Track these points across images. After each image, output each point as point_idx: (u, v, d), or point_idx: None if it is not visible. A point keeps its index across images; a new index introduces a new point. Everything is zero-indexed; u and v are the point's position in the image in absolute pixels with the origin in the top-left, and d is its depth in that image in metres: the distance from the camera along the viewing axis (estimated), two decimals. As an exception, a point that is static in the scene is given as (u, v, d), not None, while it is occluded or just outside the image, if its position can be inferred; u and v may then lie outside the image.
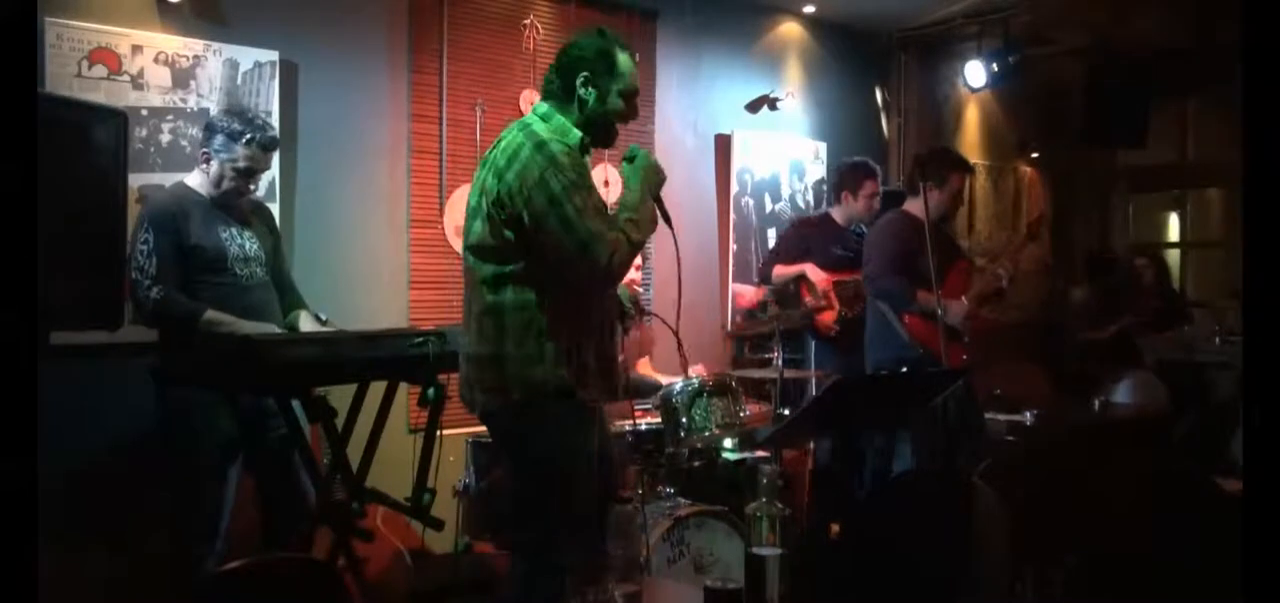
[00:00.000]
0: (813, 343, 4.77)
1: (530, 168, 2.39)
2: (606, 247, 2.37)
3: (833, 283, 4.62)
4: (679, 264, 2.66)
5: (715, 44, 5.51)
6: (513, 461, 2.68)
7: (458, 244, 4.49)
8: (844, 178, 4.82)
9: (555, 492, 2.53)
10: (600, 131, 2.59)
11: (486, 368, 2.51)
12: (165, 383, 3.04)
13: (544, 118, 2.54)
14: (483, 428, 4.02)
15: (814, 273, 4.65)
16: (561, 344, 2.47)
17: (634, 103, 2.60)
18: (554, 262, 2.42)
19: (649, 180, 2.57)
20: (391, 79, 4.37)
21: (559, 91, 2.56)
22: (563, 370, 2.47)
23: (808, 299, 4.62)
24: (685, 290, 2.90)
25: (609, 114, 2.55)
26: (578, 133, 2.53)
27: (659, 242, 4.48)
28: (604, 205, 2.49)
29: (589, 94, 2.52)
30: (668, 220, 2.64)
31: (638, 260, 3.74)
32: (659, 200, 2.61)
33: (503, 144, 2.50)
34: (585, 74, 2.52)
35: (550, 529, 2.53)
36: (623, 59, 2.55)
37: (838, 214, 4.83)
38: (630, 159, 2.60)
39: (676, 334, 2.91)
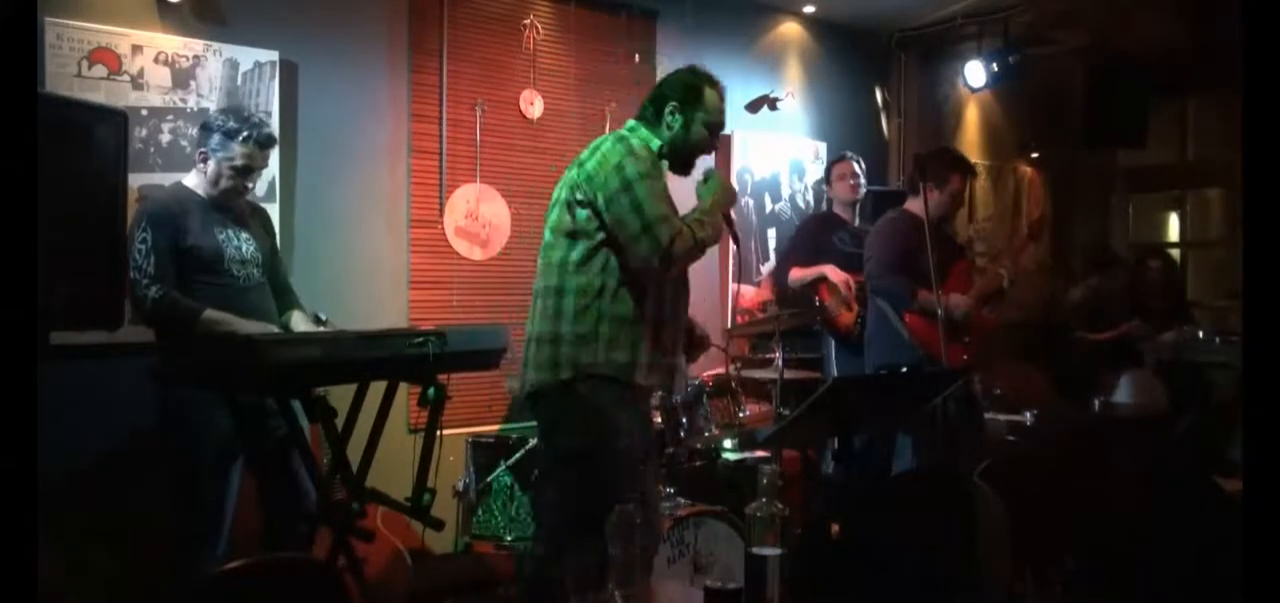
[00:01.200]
0: (833, 345, 4.78)
1: (610, 155, 2.62)
2: (670, 229, 2.55)
3: (852, 283, 4.64)
4: (737, 266, 2.91)
5: (715, 44, 5.50)
6: (551, 440, 2.77)
7: (458, 244, 4.52)
8: (824, 174, 5.17)
9: (590, 476, 2.61)
10: (680, 157, 2.80)
11: (542, 346, 2.67)
12: (165, 383, 3.04)
13: (631, 129, 2.79)
14: (483, 428, 4.05)
15: (835, 274, 4.67)
16: (617, 331, 2.61)
17: (716, 136, 2.83)
18: (622, 241, 2.58)
19: (720, 197, 2.79)
20: (391, 79, 4.37)
21: (651, 116, 2.80)
22: (616, 355, 2.61)
23: (829, 301, 4.63)
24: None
25: (691, 141, 2.77)
26: (658, 143, 2.76)
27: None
28: (672, 202, 2.68)
29: (676, 121, 2.75)
30: (735, 237, 2.92)
31: None
32: (728, 219, 2.83)
33: (590, 145, 2.73)
34: (675, 103, 2.75)
35: (578, 513, 2.58)
36: (710, 94, 2.78)
37: (838, 208, 5.00)
38: (706, 179, 2.82)
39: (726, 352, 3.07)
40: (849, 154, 5.08)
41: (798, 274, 4.82)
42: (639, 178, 2.56)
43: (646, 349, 2.65)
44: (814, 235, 4.91)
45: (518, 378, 2.79)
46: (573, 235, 2.64)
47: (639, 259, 2.58)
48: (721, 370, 4.12)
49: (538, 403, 2.73)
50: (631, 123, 2.82)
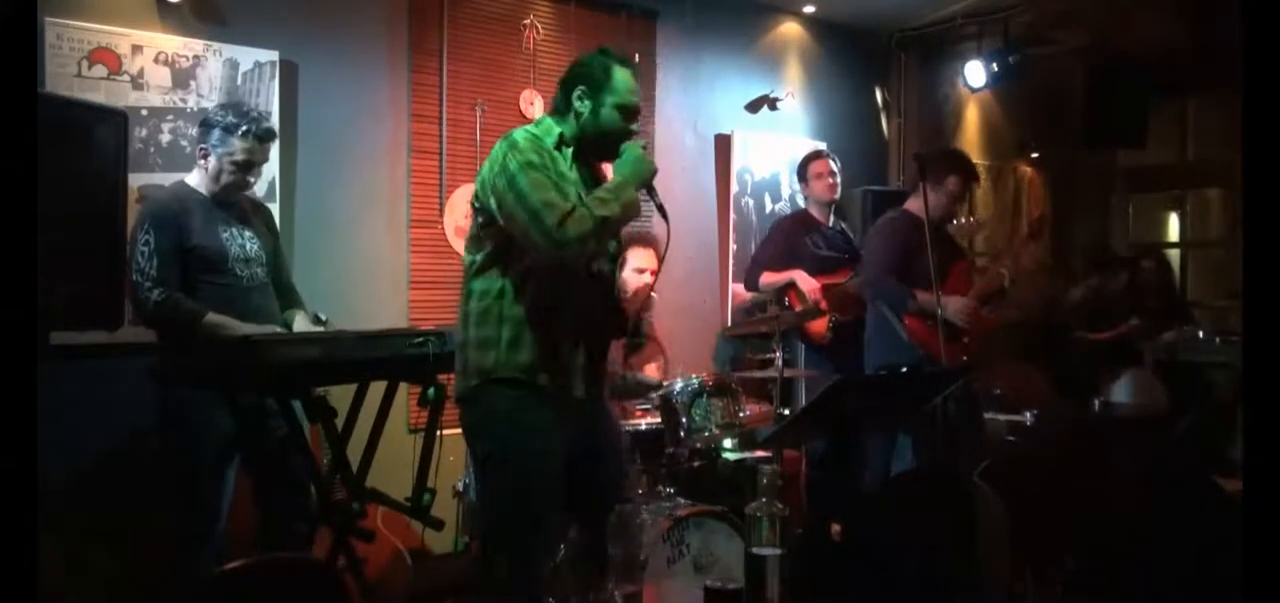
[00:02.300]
0: (803, 348, 4.76)
1: (496, 156, 2.51)
2: (556, 214, 2.39)
3: (821, 288, 4.61)
4: (666, 248, 2.73)
5: (715, 44, 5.51)
6: (471, 451, 2.73)
7: (458, 244, 4.51)
8: (797, 172, 5.02)
9: (505, 482, 2.54)
10: (596, 144, 2.64)
11: (458, 354, 2.61)
12: (165, 383, 3.04)
13: (536, 124, 2.64)
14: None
15: (804, 281, 4.62)
16: (518, 333, 2.52)
17: (632, 117, 2.64)
18: (519, 240, 2.47)
19: (634, 170, 2.59)
20: (391, 79, 4.37)
21: (560, 105, 2.64)
22: (517, 358, 2.51)
23: (798, 307, 4.58)
24: (685, 291, 2.93)
25: (603, 127, 2.60)
26: (557, 132, 2.60)
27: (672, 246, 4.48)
28: (568, 187, 2.51)
29: (584, 106, 2.59)
30: (662, 212, 2.66)
31: (652, 266, 3.76)
32: (652, 191, 2.64)
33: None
34: (582, 87, 2.59)
35: (507, 525, 2.54)
36: (620, 75, 2.60)
37: (812, 208, 4.92)
38: (621, 155, 2.63)
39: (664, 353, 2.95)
40: (825, 150, 5.01)
41: (768, 279, 4.75)
42: (520, 169, 2.44)
43: (550, 349, 2.55)
44: (787, 238, 4.83)
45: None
46: (475, 241, 2.59)
47: (535, 250, 2.47)
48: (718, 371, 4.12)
49: (459, 412, 2.67)
50: (539, 117, 2.68)
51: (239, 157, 3.15)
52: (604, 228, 2.49)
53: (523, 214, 2.42)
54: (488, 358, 2.52)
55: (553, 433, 2.54)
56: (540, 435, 2.53)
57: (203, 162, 3.19)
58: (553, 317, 2.55)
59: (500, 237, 2.52)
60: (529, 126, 2.61)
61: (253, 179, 3.26)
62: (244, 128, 3.14)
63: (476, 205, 2.57)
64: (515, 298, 2.53)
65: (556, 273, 2.52)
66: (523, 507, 2.51)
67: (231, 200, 3.23)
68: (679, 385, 3.67)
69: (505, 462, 2.54)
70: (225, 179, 3.16)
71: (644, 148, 2.65)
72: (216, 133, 3.14)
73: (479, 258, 2.57)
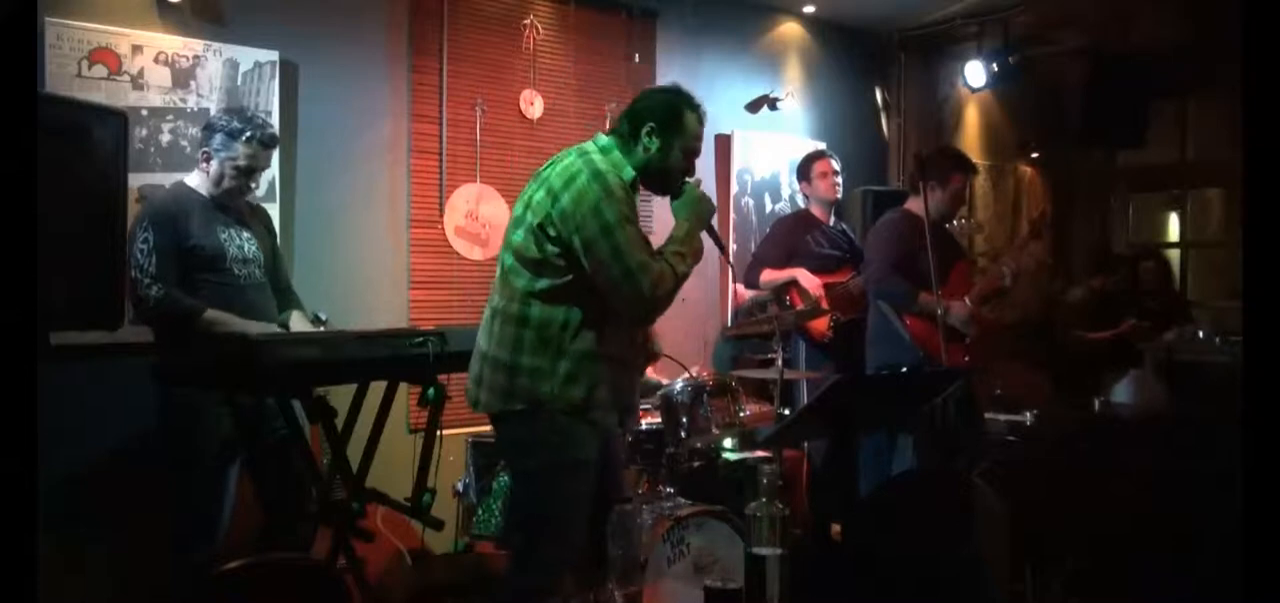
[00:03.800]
0: (803, 345, 4.76)
1: (587, 194, 2.46)
2: (650, 276, 2.45)
3: (824, 287, 4.61)
4: (732, 280, 2.82)
5: (715, 44, 5.51)
6: (510, 466, 2.73)
7: (458, 244, 4.51)
8: (798, 172, 5.02)
9: (545, 504, 2.58)
10: (657, 181, 2.68)
11: (498, 371, 2.57)
12: (165, 383, 3.04)
13: (604, 151, 2.62)
14: (483, 428, 4.04)
15: (806, 278, 4.62)
16: (576, 366, 2.53)
17: (693, 160, 2.69)
18: (601, 288, 2.48)
19: (697, 212, 2.65)
20: (391, 79, 4.37)
21: (626, 134, 2.65)
22: (572, 392, 2.52)
23: (800, 305, 4.59)
24: (685, 291, 2.93)
25: (668, 167, 2.64)
26: (631, 171, 2.61)
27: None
28: (648, 240, 2.58)
29: (652, 144, 2.61)
30: (721, 247, 2.76)
31: None
32: (711, 229, 2.70)
33: (560, 166, 2.55)
34: (652, 124, 2.61)
35: (539, 537, 2.59)
36: (690, 118, 2.65)
37: (814, 207, 4.92)
38: (681, 196, 2.67)
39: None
40: (827, 150, 5.02)
41: (769, 277, 4.76)
42: (618, 223, 2.43)
43: (605, 385, 2.57)
44: (788, 236, 4.84)
45: (474, 389, 2.66)
46: (539, 265, 2.51)
47: (621, 305, 2.49)
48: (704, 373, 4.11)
49: (495, 426, 2.68)
50: (604, 142, 2.65)
51: (241, 162, 3.15)
52: (682, 281, 2.56)
53: (616, 269, 2.43)
54: (542, 387, 2.52)
55: (594, 459, 2.59)
56: (584, 462, 2.57)
57: (204, 164, 3.19)
58: (614, 352, 2.59)
59: (575, 271, 2.50)
60: (603, 154, 2.59)
61: (254, 184, 3.27)
62: (248, 133, 3.14)
63: (551, 233, 2.48)
64: (578, 331, 2.52)
65: (634, 317, 2.58)
66: (560, 524, 2.55)
67: (231, 203, 3.24)
68: (679, 385, 3.67)
69: (548, 484, 2.57)
70: (226, 183, 3.17)
71: (699, 184, 2.69)
72: (220, 137, 3.15)
73: (541, 285, 2.52)
